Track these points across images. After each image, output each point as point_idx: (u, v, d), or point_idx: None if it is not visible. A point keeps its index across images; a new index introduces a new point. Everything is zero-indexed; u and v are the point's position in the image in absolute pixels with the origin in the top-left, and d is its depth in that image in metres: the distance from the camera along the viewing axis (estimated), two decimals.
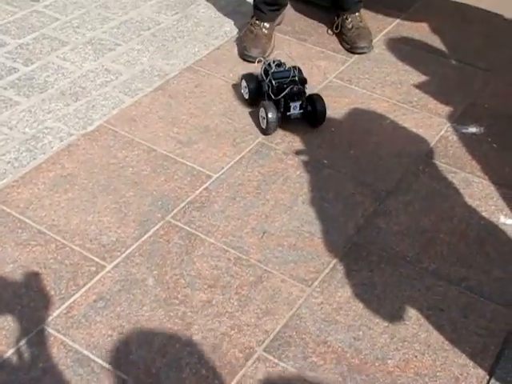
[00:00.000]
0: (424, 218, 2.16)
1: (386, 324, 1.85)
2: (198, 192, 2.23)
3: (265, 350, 1.78)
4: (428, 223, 2.15)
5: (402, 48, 2.97)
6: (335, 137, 2.49)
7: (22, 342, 1.75)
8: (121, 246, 2.02)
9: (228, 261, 2.01)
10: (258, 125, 2.49)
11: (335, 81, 2.76)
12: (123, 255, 2.00)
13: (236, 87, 2.67)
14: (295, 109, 2.44)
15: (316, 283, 1.96)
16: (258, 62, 2.64)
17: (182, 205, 2.17)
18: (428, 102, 2.66)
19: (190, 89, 2.66)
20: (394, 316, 1.88)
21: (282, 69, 2.51)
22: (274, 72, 2.48)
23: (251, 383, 1.70)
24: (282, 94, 2.42)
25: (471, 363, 1.76)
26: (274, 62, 2.53)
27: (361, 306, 1.90)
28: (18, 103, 2.51)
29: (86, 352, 1.74)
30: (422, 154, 2.36)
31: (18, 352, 1.72)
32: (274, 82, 2.45)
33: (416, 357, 1.78)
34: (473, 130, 2.54)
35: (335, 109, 2.61)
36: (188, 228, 2.10)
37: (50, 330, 1.78)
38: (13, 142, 2.34)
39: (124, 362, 1.72)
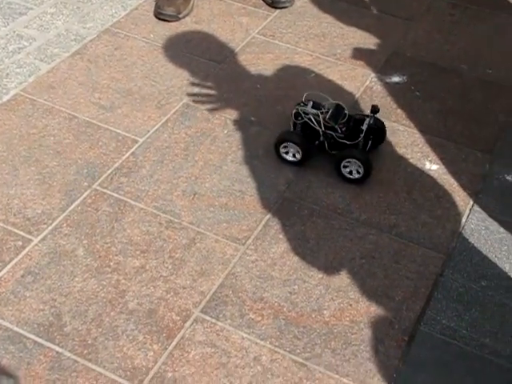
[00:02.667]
0: None
1: (320, 276, 1.87)
2: (124, 157, 2.17)
3: (202, 311, 1.77)
4: None
5: (324, 1, 2.95)
6: (261, 93, 2.46)
7: None
8: (47, 218, 1.96)
9: (159, 225, 1.98)
10: (183, 86, 2.45)
11: (258, 37, 2.72)
12: (50, 227, 1.94)
13: (158, 48, 2.61)
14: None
15: (249, 241, 1.95)
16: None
17: (109, 171, 2.12)
18: (351, 53, 2.66)
19: (109, 52, 2.58)
20: (328, 267, 1.90)
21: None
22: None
23: (190, 345, 1.70)
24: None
25: (404, 306, 1.81)
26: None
27: (295, 259, 1.91)
28: None
29: (16, 329, 1.69)
30: (348, 105, 2.37)
31: None
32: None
33: (351, 305, 1.81)
34: (396, 79, 2.56)
35: (260, 65, 2.58)
36: (116, 195, 2.05)
37: None
38: None
39: (58, 335, 1.69)
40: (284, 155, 2.18)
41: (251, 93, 2.46)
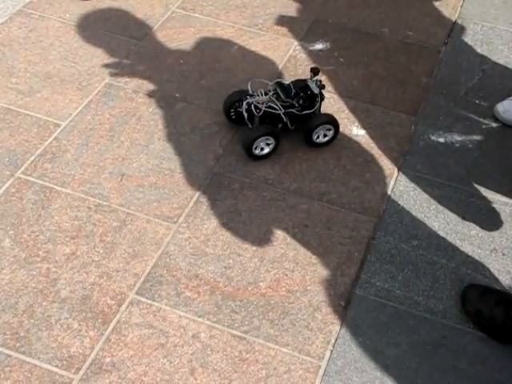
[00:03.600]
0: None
1: (254, 248, 1.87)
2: (47, 143, 2.11)
3: (137, 293, 1.75)
4: (287, 145, 2.16)
5: None
6: (184, 68, 2.42)
7: None
8: None
9: (88, 209, 1.93)
10: (104, 65, 2.38)
11: (178, 11, 2.67)
12: None
13: (75, 28, 2.52)
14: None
15: (181, 219, 1.93)
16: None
17: (32, 158, 2.05)
18: (273, 23, 2.65)
19: (24, 34, 2.48)
20: (262, 239, 1.90)
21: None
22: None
23: (127, 328, 1.67)
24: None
25: (339, 272, 1.83)
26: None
27: (228, 234, 1.90)
28: None
29: None
30: (273, 76, 2.35)
31: None
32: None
33: (286, 275, 1.81)
34: (319, 46, 2.56)
35: (182, 40, 2.54)
36: (41, 182, 1.99)
37: None
38: None
39: None
40: (258, 151, 2.09)
41: (174, 69, 2.42)
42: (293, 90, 2.13)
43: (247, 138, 2.08)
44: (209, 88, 2.35)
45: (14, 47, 2.43)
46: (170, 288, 1.76)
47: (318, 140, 2.15)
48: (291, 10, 2.73)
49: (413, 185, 2.07)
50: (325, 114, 2.19)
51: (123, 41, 2.51)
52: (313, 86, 2.13)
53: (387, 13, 2.76)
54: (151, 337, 1.66)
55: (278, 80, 2.19)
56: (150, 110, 2.25)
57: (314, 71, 2.15)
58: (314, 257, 1.86)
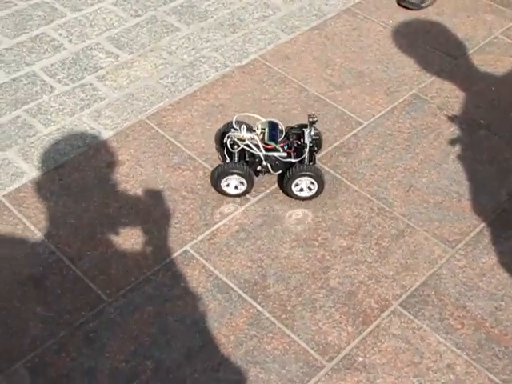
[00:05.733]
0: None
1: None
2: (346, 137, 2.19)
3: (401, 305, 1.75)
4: None
5: None
6: (495, 96, 2.35)
7: (167, 261, 1.82)
8: (266, 181, 2.03)
9: (371, 210, 1.97)
10: (414, 76, 2.40)
11: (501, 37, 2.59)
12: (267, 190, 2.01)
13: (395, 35, 2.58)
14: None
15: (460, 245, 1.89)
16: None
17: (330, 148, 2.15)
18: None
19: (347, 31, 2.60)
20: None
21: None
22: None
23: (384, 335, 1.69)
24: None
25: None
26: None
27: (506, 275, 1.82)
28: (178, 29, 2.55)
29: (225, 279, 1.78)
30: None
31: (163, 269, 1.80)
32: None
33: None
34: None
35: (497, 67, 2.46)
36: (333, 172, 2.08)
37: (193, 252, 1.84)
38: (171, 67, 2.39)
39: (261, 294, 1.76)
40: (225, 188, 1.96)
41: (484, 94, 2.36)
42: (283, 134, 1.98)
43: (220, 170, 1.94)
44: None
45: (335, 41, 2.55)
46: (435, 310, 1.74)
47: (300, 192, 1.96)
48: None
49: None
50: (313, 166, 1.96)
51: (438, 56, 2.51)
52: (307, 133, 1.96)
53: None
54: (406, 352, 1.66)
55: (272, 120, 2.01)
56: (451, 129, 2.23)
57: (312, 119, 1.97)
58: None
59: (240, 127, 1.96)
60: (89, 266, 1.79)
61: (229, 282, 1.78)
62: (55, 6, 2.62)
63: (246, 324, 1.69)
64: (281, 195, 2.00)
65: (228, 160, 1.97)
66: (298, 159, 1.96)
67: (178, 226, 1.90)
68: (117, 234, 1.87)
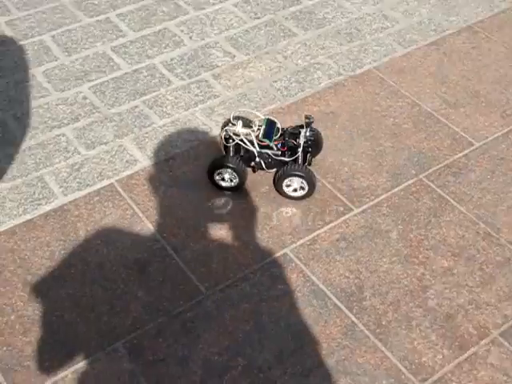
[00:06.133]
0: None
1: None
2: (456, 157, 2.14)
3: (501, 335, 1.70)
4: None
5: None
6: None
7: (266, 261, 1.84)
8: (370, 193, 2.02)
9: (476, 234, 1.92)
10: None
11: None
12: (371, 203, 1.99)
13: None
14: None
15: None
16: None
17: (438, 166, 2.11)
18: None
19: (465, 49, 2.54)
20: None
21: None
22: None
23: (481, 364, 1.64)
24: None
25: None
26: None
27: None
28: (295, 34, 2.57)
29: (322, 286, 1.78)
30: None
31: (262, 269, 1.82)
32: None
33: None
34: None
35: None
36: (440, 191, 2.04)
37: (292, 256, 1.85)
38: (285, 71, 2.42)
39: (356, 306, 1.74)
40: (220, 182, 1.99)
41: None
42: (279, 133, 1.98)
43: (214, 162, 1.97)
44: None
45: (452, 58, 2.50)
46: None
47: (293, 192, 1.97)
48: None
49: None
50: (306, 168, 1.95)
51: None
52: (302, 133, 1.93)
53: None
54: None
55: (270, 118, 1.99)
56: None
57: (308, 120, 1.97)
58: None
59: (237, 122, 1.99)
60: (191, 257, 1.83)
61: (325, 290, 1.77)
62: (179, 3, 2.70)
63: (339, 333, 1.69)
64: (384, 208, 1.98)
65: (224, 153, 2.02)
66: (291, 158, 1.97)
67: (279, 228, 1.92)
68: (219, 229, 1.91)
